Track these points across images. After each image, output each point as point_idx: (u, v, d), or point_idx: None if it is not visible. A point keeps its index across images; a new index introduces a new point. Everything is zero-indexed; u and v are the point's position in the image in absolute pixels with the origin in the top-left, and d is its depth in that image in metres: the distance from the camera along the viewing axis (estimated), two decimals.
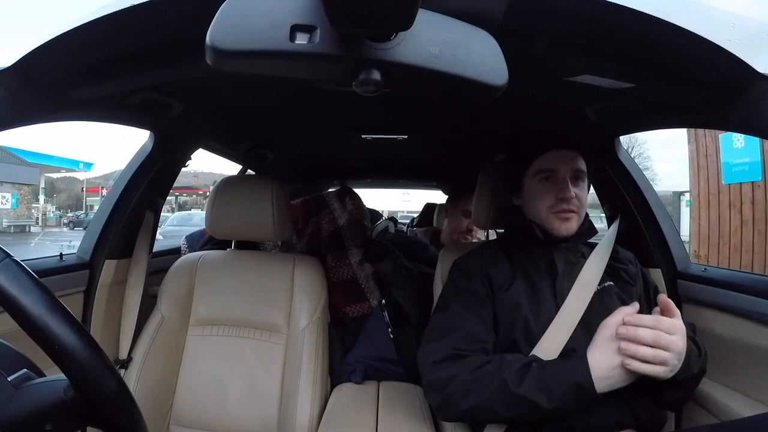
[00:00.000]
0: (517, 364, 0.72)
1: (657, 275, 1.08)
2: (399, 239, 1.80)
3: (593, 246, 0.93)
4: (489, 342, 0.80)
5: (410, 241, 1.78)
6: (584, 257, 0.89)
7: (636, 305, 0.72)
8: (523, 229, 0.89)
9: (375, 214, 3.21)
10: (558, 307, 0.81)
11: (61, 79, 0.62)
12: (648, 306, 0.91)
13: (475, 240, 1.91)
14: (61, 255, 1.03)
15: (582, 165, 0.87)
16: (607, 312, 0.82)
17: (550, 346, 0.77)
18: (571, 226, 0.85)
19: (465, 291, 0.86)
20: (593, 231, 0.90)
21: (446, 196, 2.37)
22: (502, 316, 0.83)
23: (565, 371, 0.69)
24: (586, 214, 0.90)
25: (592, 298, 0.81)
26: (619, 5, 0.46)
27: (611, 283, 0.86)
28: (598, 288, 0.83)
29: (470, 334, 0.80)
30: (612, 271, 0.88)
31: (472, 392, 0.72)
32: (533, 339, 0.79)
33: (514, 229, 0.96)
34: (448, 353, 0.78)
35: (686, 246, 2.32)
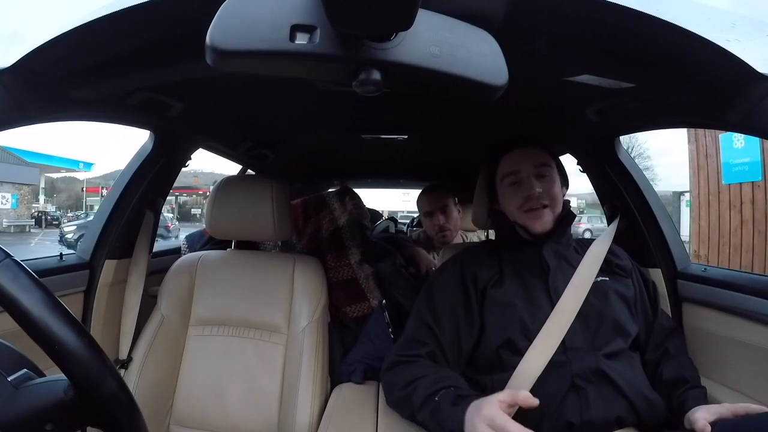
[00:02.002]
0: (426, 391, 0.73)
1: (657, 275, 1.08)
2: (386, 236, 1.83)
3: (585, 240, 0.94)
4: (430, 343, 0.84)
5: (395, 238, 1.80)
6: (578, 252, 0.90)
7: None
8: (508, 229, 0.92)
9: (375, 214, 3.21)
10: (553, 303, 0.82)
11: (61, 79, 0.62)
12: (651, 303, 0.92)
13: (471, 238, 1.90)
14: (61, 255, 1.03)
15: (545, 159, 0.90)
16: (603, 305, 0.83)
17: (546, 342, 0.78)
18: (546, 221, 0.88)
19: (432, 299, 0.89)
20: (572, 216, 0.92)
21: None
22: (494, 312, 0.84)
23: (451, 414, 0.68)
24: (565, 203, 0.92)
25: (588, 293, 0.82)
26: (619, 5, 0.46)
27: (606, 278, 0.87)
28: (595, 281, 0.84)
29: (410, 339, 0.86)
30: (605, 264, 0.89)
31: (400, 408, 0.81)
32: (531, 335, 0.79)
33: (501, 230, 0.99)
34: (393, 360, 0.85)
35: (686, 246, 2.32)
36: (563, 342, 0.78)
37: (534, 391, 0.75)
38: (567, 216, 0.91)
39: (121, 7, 0.48)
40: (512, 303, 0.83)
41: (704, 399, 0.77)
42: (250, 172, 1.86)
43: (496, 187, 0.96)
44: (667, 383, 0.82)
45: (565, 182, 0.95)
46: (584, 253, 0.89)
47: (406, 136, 1.39)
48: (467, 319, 0.85)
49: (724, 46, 0.47)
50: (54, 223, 21.25)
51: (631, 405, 0.76)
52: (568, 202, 0.95)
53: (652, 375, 0.85)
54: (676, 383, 0.81)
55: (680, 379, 0.81)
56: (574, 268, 0.86)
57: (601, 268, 0.87)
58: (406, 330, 0.89)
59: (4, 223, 17.70)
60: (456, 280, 0.89)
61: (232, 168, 1.82)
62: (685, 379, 0.81)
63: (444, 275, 0.92)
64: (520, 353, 0.79)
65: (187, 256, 1.20)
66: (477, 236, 2.00)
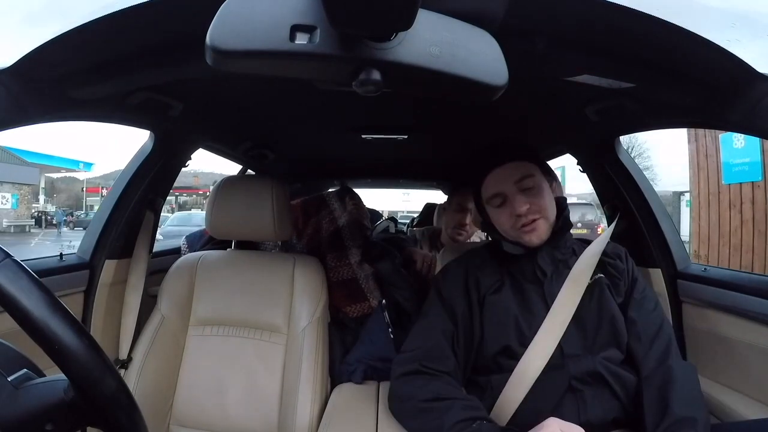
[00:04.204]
0: (462, 415, 0.70)
1: (657, 275, 1.08)
2: (384, 236, 1.85)
3: (584, 241, 0.92)
4: (452, 358, 0.82)
5: (393, 238, 1.82)
6: (575, 254, 0.88)
7: None
8: (500, 245, 0.89)
9: (375, 214, 3.21)
10: (549, 309, 0.81)
11: (61, 79, 0.62)
12: (626, 302, 0.86)
13: (475, 239, 1.91)
14: (61, 255, 1.03)
15: (526, 170, 0.85)
16: (599, 306, 0.82)
17: (544, 344, 0.78)
18: (541, 233, 0.84)
19: (443, 301, 0.88)
20: (568, 226, 0.89)
21: (446, 196, 2.36)
22: (492, 319, 0.83)
23: None
24: (561, 207, 0.89)
25: (584, 295, 0.81)
26: (619, 5, 0.46)
27: (602, 275, 0.85)
28: (590, 282, 0.83)
29: (437, 350, 0.82)
30: (601, 264, 0.87)
31: (417, 419, 0.76)
32: (526, 342, 0.79)
33: (495, 242, 0.95)
34: (414, 368, 0.81)
35: (686, 246, 2.32)
36: (561, 348, 0.77)
37: (532, 392, 0.76)
38: (564, 224, 0.88)
39: (121, 7, 0.48)
40: (509, 310, 0.82)
41: None
42: (250, 172, 1.86)
43: (485, 208, 0.92)
44: (648, 410, 0.73)
45: (552, 178, 0.91)
46: (581, 253, 0.88)
47: (406, 136, 1.39)
48: (473, 328, 0.85)
49: (724, 46, 0.47)
50: (54, 223, 21.32)
51: (628, 406, 0.76)
52: (565, 199, 0.91)
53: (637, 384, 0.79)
54: (659, 411, 0.71)
55: (664, 408, 0.71)
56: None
57: (598, 266, 0.85)
58: (423, 336, 0.85)
59: (4, 223, 17.69)
60: (461, 287, 0.88)
61: (232, 168, 1.83)
62: (668, 410, 0.70)
63: (451, 280, 0.90)
64: (517, 358, 0.79)
65: (187, 256, 1.20)
66: (478, 236, 2.01)
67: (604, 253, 0.88)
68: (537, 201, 0.84)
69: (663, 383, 0.74)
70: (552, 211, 0.86)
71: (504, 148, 0.89)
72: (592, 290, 0.83)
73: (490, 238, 1.08)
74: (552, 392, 0.76)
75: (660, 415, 0.70)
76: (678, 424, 0.67)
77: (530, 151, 0.89)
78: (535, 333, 0.79)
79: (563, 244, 0.89)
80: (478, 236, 2.01)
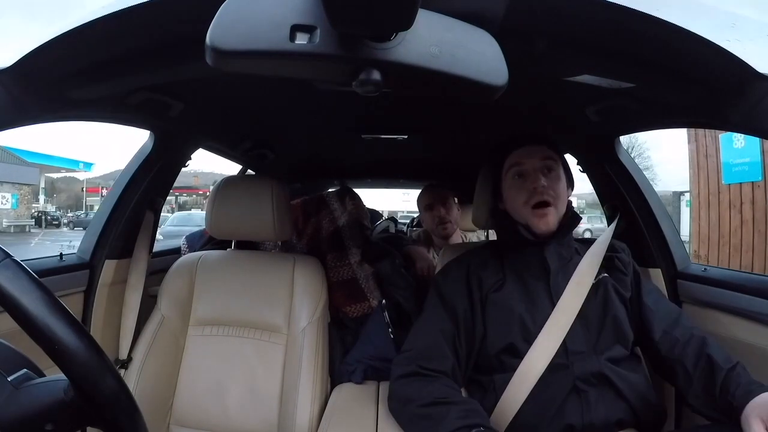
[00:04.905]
0: (459, 423, 0.69)
1: (657, 275, 1.08)
2: (384, 236, 1.87)
3: (586, 242, 0.93)
4: (452, 357, 0.82)
5: (393, 237, 1.83)
6: (578, 253, 0.89)
7: None
8: (510, 230, 0.90)
9: (375, 214, 3.21)
10: (554, 304, 0.81)
11: (61, 79, 0.62)
12: (636, 293, 0.88)
13: (471, 237, 1.91)
14: (61, 255, 1.03)
15: (552, 155, 0.89)
16: (604, 305, 0.82)
17: (547, 341, 0.78)
18: (550, 221, 0.85)
19: (444, 300, 0.88)
20: (577, 218, 0.91)
21: None
22: (495, 317, 0.83)
23: None
24: (569, 205, 0.91)
25: (588, 294, 0.81)
26: (619, 5, 0.46)
27: (606, 274, 0.86)
28: (594, 281, 0.83)
29: (435, 349, 0.82)
30: (606, 261, 0.87)
31: (415, 424, 0.76)
32: (531, 338, 0.79)
33: (503, 231, 0.97)
34: (413, 370, 0.80)
35: (686, 246, 2.32)
36: (565, 345, 0.77)
37: (535, 393, 0.75)
38: (572, 218, 0.89)
39: (121, 7, 0.49)
40: (513, 306, 0.82)
41: (746, 384, 0.70)
42: (250, 172, 1.86)
43: (500, 184, 0.94)
44: (695, 374, 0.76)
45: (570, 183, 0.93)
46: (585, 254, 0.88)
47: (405, 136, 1.40)
48: (474, 328, 0.84)
49: (724, 46, 0.47)
50: (54, 223, 21.34)
51: (631, 408, 0.76)
52: (571, 203, 0.94)
53: (672, 371, 0.80)
54: (706, 370, 0.75)
55: (710, 365, 0.75)
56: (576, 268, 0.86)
57: (602, 265, 0.86)
58: (422, 336, 0.85)
59: (4, 223, 17.68)
60: (463, 286, 0.88)
61: (232, 168, 1.83)
62: (715, 364, 0.74)
63: (452, 279, 0.90)
64: (521, 356, 0.78)
65: (187, 256, 1.20)
66: (476, 236, 2.01)
67: (610, 248, 0.89)
68: (555, 185, 0.86)
69: (699, 346, 0.78)
70: (563, 205, 0.88)
71: (542, 134, 0.93)
72: (596, 289, 0.83)
73: (489, 237, 1.09)
74: (556, 393, 0.76)
75: (709, 372, 0.74)
76: (729, 373, 0.72)
77: (559, 148, 0.93)
78: (539, 328, 0.79)
79: (567, 242, 0.90)
80: (476, 235, 2.01)
